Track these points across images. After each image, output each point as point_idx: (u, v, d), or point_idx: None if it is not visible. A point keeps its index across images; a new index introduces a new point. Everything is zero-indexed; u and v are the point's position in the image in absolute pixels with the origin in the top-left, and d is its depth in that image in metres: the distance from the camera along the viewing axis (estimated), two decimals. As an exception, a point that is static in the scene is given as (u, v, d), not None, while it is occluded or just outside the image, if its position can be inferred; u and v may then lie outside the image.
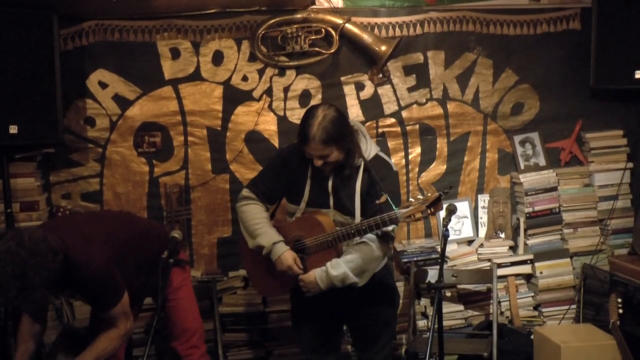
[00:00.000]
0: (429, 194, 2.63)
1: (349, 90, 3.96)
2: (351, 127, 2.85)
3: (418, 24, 3.95)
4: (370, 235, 2.81)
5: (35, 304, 2.68)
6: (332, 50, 3.85)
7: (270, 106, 3.93)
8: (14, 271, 2.29)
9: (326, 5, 3.87)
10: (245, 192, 3.00)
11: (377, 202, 2.69)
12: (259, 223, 2.92)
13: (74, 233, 2.59)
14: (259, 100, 3.92)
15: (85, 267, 2.51)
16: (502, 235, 4.06)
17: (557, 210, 4.06)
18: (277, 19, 3.80)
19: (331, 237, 2.80)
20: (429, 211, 2.62)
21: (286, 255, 2.86)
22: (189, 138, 3.91)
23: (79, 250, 2.51)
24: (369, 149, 2.89)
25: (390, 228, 2.78)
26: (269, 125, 3.94)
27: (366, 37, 3.85)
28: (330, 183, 2.85)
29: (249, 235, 2.96)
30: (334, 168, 2.82)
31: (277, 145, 3.94)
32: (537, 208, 4.03)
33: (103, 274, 2.55)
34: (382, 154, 2.93)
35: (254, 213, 2.95)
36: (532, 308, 4.04)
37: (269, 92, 3.91)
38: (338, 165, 2.81)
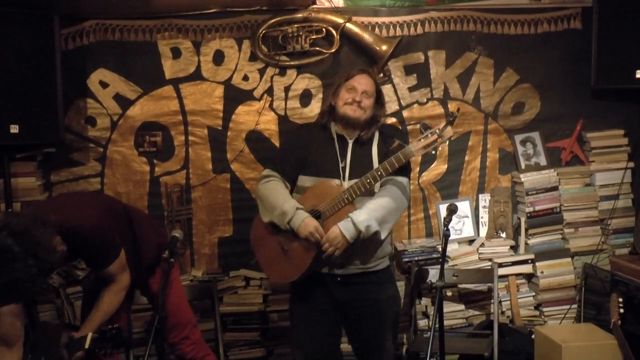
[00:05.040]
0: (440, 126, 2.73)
1: (349, 89, 3.96)
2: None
3: (419, 24, 3.95)
4: (389, 186, 2.83)
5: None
6: (333, 50, 3.84)
7: (271, 106, 3.93)
8: (26, 250, 2.22)
9: (327, 4, 3.87)
10: (266, 171, 3.01)
11: (390, 148, 2.78)
12: (282, 195, 2.88)
13: (58, 205, 2.65)
14: (259, 99, 3.92)
15: (81, 228, 2.54)
16: (503, 235, 4.06)
17: (558, 209, 4.06)
18: (278, 18, 3.80)
19: (347, 194, 2.77)
20: (439, 138, 2.70)
21: (308, 221, 2.78)
22: (190, 137, 3.91)
23: (70, 215, 2.54)
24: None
25: (404, 181, 2.87)
26: (269, 125, 3.94)
27: (367, 37, 3.84)
28: (349, 151, 2.89)
29: (269, 208, 2.88)
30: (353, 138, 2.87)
31: (277, 145, 3.93)
32: (537, 207, 4.03)
33: (99, 230, 2.59)
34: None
35: (276, 188, 2.91)
36: (533, 308, 4.03)
37: (269, 91, 3.91)
38: (359, 127, 2.87)
